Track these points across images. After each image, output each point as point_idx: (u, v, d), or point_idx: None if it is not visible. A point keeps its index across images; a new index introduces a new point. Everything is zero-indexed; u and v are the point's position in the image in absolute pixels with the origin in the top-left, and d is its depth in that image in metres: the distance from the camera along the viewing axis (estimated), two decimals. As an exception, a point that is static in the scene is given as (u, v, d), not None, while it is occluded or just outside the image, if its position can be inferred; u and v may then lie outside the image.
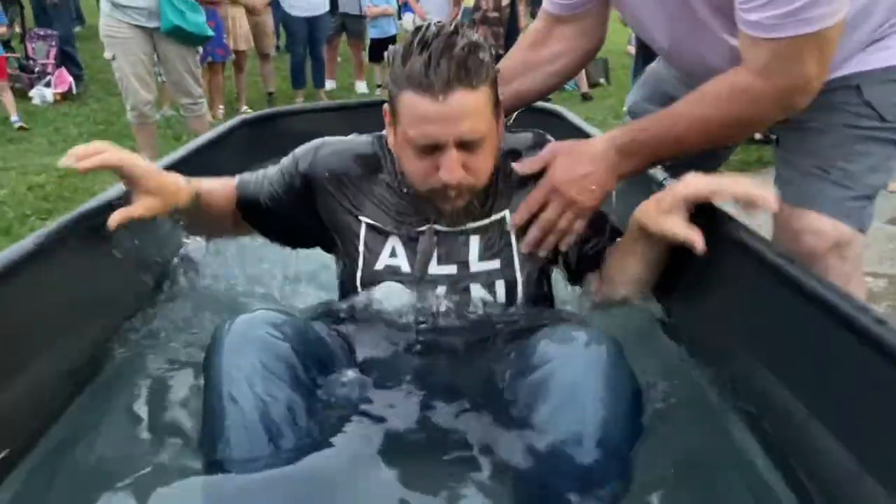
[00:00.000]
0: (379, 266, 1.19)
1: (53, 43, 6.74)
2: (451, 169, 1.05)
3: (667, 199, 1.07)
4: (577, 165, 1.13)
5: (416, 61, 1.02)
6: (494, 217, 1.19)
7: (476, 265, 1.18)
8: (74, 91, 6.77)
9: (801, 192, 1.24)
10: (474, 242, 1.18)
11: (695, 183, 1.05)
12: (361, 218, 1.21)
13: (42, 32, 6.79)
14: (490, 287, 1.17)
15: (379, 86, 7.72)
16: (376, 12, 7.38)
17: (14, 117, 5.72)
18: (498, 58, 1.21)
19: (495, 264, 1.18)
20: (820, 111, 1.19)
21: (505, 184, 1.20)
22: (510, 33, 6.73)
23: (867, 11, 1.16)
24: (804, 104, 1.10)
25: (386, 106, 1.13)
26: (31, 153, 4.83)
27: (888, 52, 1.19)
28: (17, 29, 7.33)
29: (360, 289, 1.20)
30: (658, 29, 1.28)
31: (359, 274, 1.20)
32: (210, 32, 4.27)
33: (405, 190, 1.18)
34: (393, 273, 1.18)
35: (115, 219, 1.11)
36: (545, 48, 1.41)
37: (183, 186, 1.19)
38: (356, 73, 7.95)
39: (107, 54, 3.94)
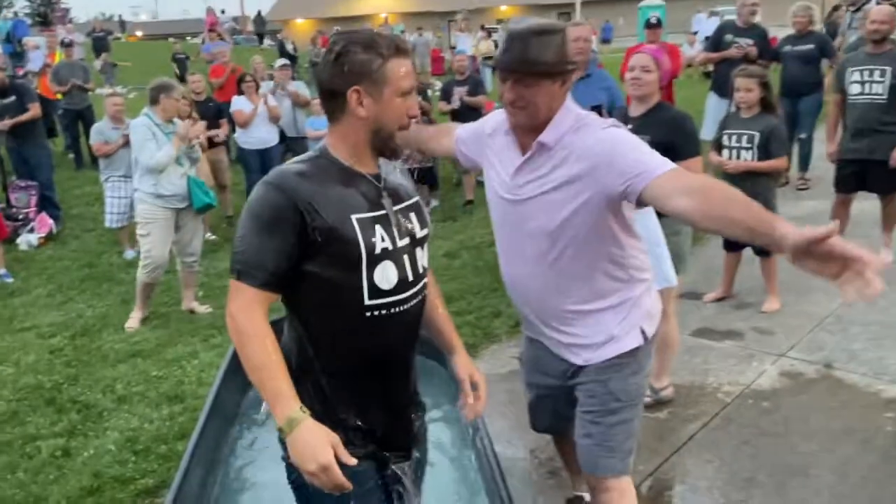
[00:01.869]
0: (378, 251, 1.59)
1: (34, 192, 7.62)
2: (416, 106, 1.65)
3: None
4: None
5: (396, 40, 1.60)
6: (415, 198, 1.75)
7: (419, 233, 1.70)
8: (55, 231, 7.67)
9: (592, 464, 2.15)
10: (413, 217, 1.70)
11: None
12: (352, 216, 1.57)
13: (23, 184, 7.67)
14: (423, 247, 1.72)
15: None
16: (316, 135, 8.51)
17: (2, 271, 6.47)
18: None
19: (427, 230, 1.73)
20: (588, 403, 2.11)
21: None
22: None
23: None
24: None
25: (357, 89, 1.56)
26: (36, 309, 5.69)
27: (619, 343, 2.04)
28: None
29: (364, 274, 1.58)
30: (506, 253, 2.09)
31: (364, 264, 1.57)
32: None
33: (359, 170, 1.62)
34: (385, 254, 1.60)
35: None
36: None
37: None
38: (303, 186, 9.02)
39: (141, 231, 4.96)
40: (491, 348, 4.31)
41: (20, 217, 7.54)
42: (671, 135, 3.13)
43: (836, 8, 11.65)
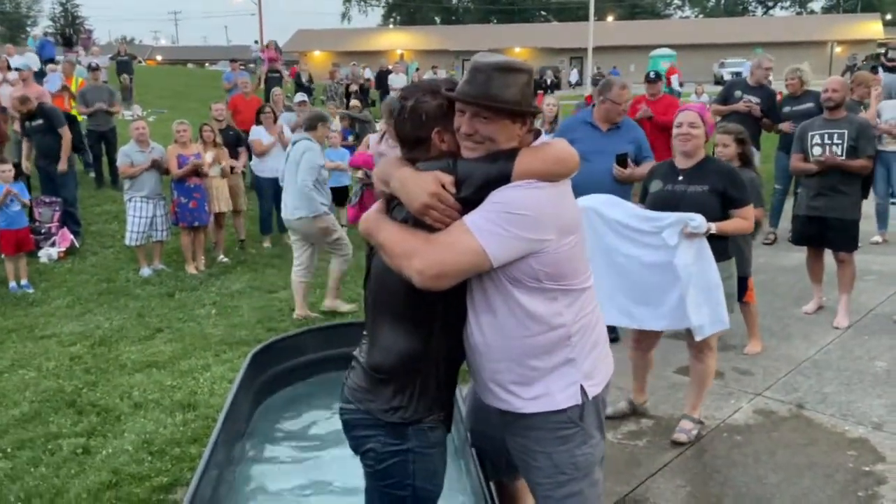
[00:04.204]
0: None
1: (57, 208, 7.98)
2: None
3: None
4: None
5: (453, 80, 1.92)
6: None
7: None
8: (77, 246, 8.00)
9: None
10: None
11: None
12: None
13: (48, 200, 8.03)
14: None
15: (334, 226, 9.13)
16: (331, 167, 8.87)
17: (24, 282, 6.82)
18: None
19: None
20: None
21: None
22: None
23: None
24: None
25: (439, 130, 1.84)
26: (56, 319, 5.99)
27: (547, 398, 1.93)
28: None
29: None
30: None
31: None
32: None
33: None
34: None
35: None
36: None
37: None
38: (314, 214, 9.36)
39: (335, 236, 5.64)
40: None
41: (43, 231, 7.87)
42: (724, 185, 3.47)
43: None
